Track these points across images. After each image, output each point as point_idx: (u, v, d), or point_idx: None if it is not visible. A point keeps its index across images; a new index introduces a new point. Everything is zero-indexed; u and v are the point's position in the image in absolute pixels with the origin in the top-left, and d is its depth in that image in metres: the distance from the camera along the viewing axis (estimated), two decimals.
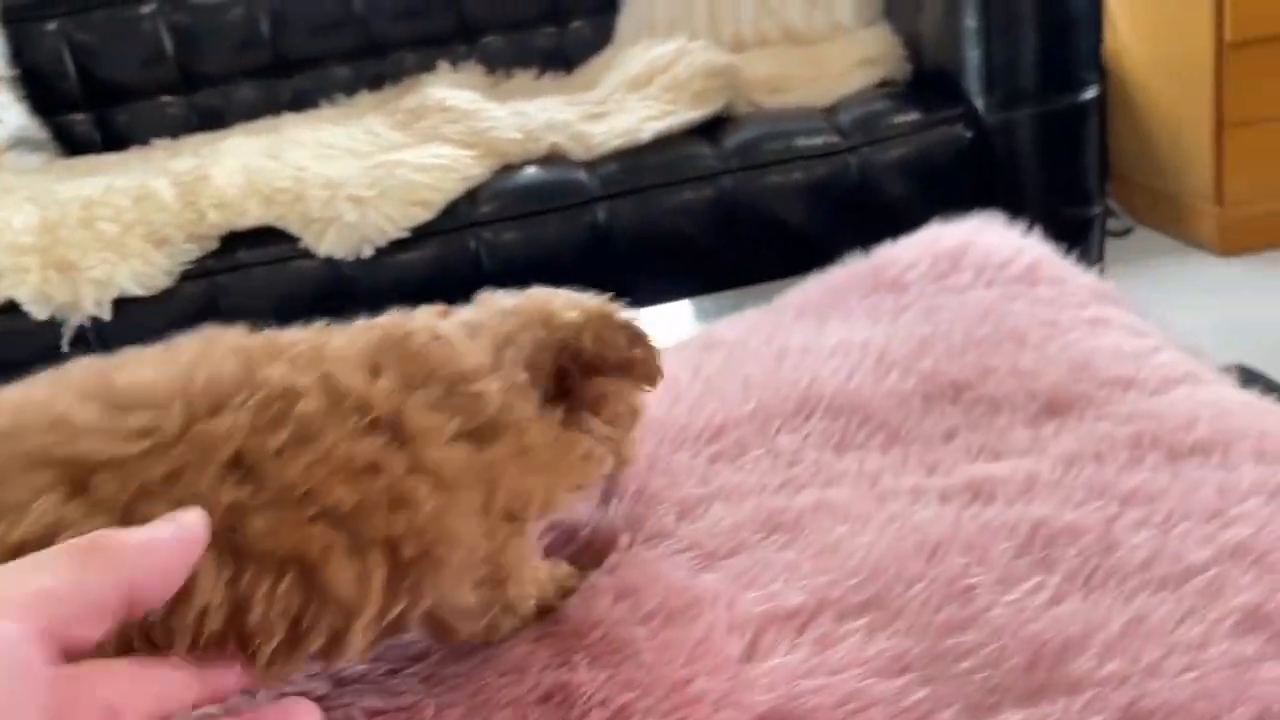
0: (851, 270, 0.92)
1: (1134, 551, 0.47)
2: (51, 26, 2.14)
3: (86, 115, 2.20)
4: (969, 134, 1.74)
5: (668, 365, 0.81)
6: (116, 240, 1.57)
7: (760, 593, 0.50)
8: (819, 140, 1.72)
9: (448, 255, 1.67)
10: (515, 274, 1.69)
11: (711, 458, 0.65)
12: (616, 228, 1.70)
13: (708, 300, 1.81)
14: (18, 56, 2.10)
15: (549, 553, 0.59)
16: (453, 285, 1.67)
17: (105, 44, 2.17)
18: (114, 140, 2.19)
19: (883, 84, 1.84)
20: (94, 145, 2.17)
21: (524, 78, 2.18)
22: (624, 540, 0.59)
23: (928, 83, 1.84)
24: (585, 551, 0.59)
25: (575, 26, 2.26)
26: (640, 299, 1.73)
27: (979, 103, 1.74)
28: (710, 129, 1.76)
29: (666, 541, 0.57)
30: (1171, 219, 2.40)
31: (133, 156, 2.03)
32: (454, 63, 2.20)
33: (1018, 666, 0.43)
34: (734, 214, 1.71)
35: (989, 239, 0.90)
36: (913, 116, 1.74)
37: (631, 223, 1.70)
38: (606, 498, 0.62)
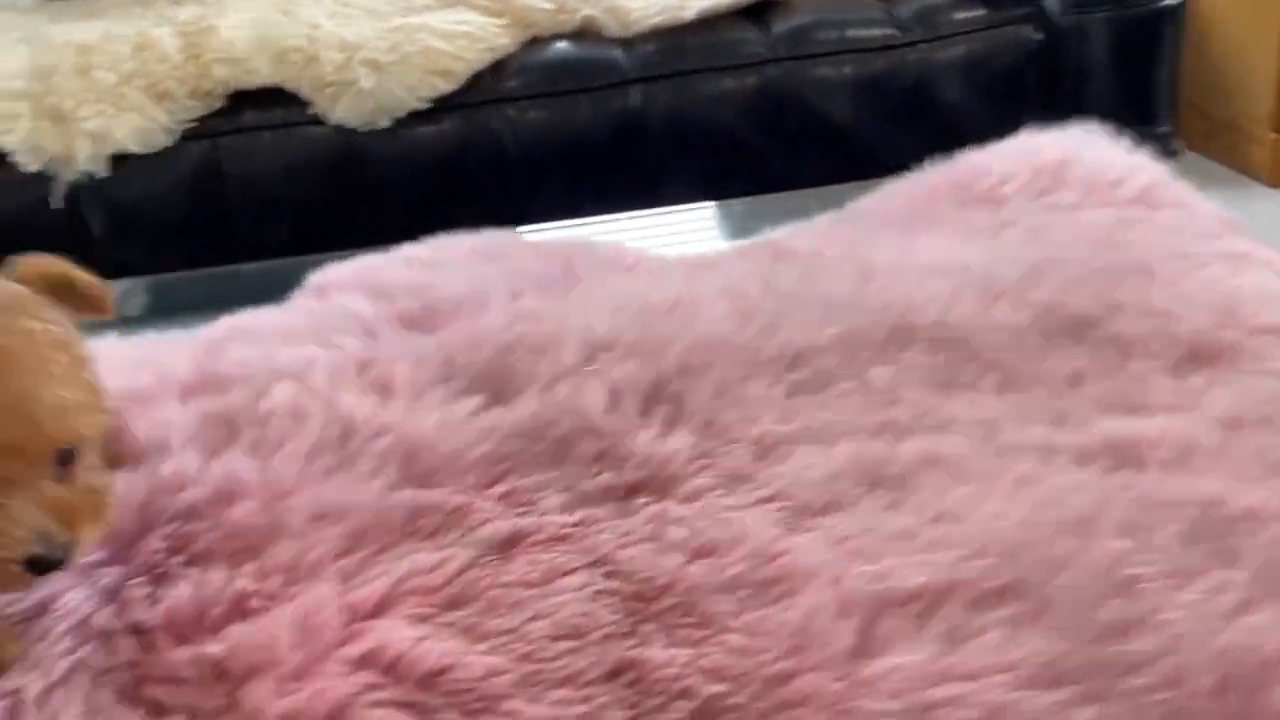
0: (933, 179, 0.81)
1: None
2: None
3: None
4: (1038, 36, 1.61)
5: (731, 272, 0.72)
6: (114, 91, 1.44)
7: (871, 567, 0.42)
8: (876, 32, 1.58)
9: (469, 131, 1.55)
10: (540, 156, 1.58)
11: (790, 389, 0.56)
12: (651, 113, 1.57)
13: (735, 206, 1.70)
14: None
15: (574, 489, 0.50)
16: (472, 164, 1.56)
17: None
18: None
19: None
20: None
21: None
22: (692, 479, 0.50)
23: None
24: (639, 488, 0.51)
25: None
26: (670, 194, 1.62)
27: (1051, 2, 1.61)
28: (758, 12, 1.62)
29: (745, 486, 0.49)
30: (1224, 146, 2.27)
31: None
32: None
33: (1204, 689, 0.35)
34: (778, 106, 1.59)
35: (1095, 153, 0.80)
36: (978, 13, 1.60)
37: (667, 109, 1.57)
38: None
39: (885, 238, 0.72)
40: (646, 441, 0.53)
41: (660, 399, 0.57)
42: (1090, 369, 0.55)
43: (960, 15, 1.59)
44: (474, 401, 0.59)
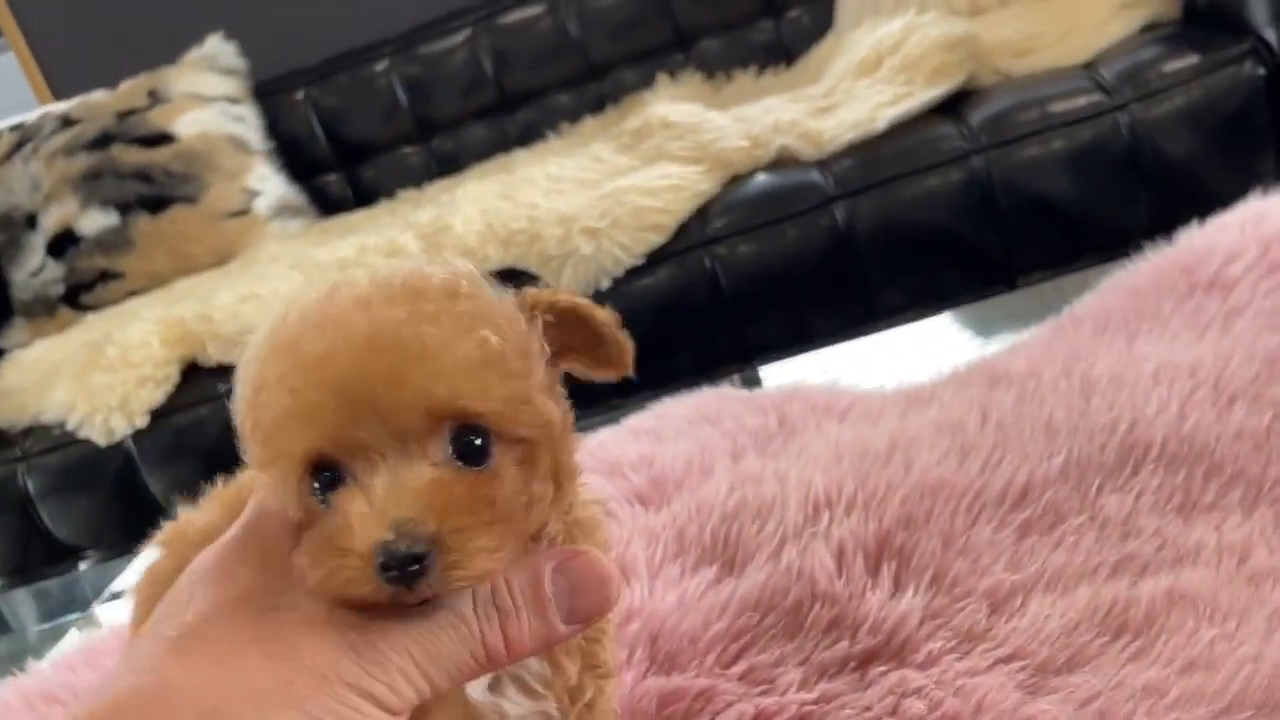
0: (1155, 268, 0.78)
1: None
2: (299, 95, 2.27)
3: (337, 175, 2.32)
4: (1260, 71, 1.51)
5: (948, 404, 0.71)
6: None
7: None
8: (1081, 101, 1.53)
9: (683, 277, 1.62)
10: (755, 289, 1.62)
11: (1020, 530, 0.55)
12: (858, 228, 1.59)
13: (975, 312, 1.66)
14: (273, 129, 2.23)
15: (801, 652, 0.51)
16: (691, 306, 1.62)
17: (348, 105, 2.28)
18: (363, 195, 2.29)
19: (1149, 28, 1.63)
20: (346, 202, 2.28)
21: (744, 79, 2.11)
22: (926, 643, 0.50)
23: (1203, 19, 1.61)
24: (874, 656, 0.51)
25: (792, 16, 2.16)
26: (892, 305, 1.60)
27: (1270, 34, 1.51)
28: (952, 106, 1.62)
29: (981, 646, 0.48)
30: None
31: (380, 211, 2.11)
32: (672, 73, 2.16)
33: None
34: (989, 197, 1.56)
35: None
36: (1190, 60, 1.52)
37: (873, 220, 1.58)
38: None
39: (1104, 346, 0.69)
40: (877, 604, 0.54)
41: (886, 555, 0.57)
42: None
43: (1170, 66, 1.52)
44: (708, 575, 0.62)
